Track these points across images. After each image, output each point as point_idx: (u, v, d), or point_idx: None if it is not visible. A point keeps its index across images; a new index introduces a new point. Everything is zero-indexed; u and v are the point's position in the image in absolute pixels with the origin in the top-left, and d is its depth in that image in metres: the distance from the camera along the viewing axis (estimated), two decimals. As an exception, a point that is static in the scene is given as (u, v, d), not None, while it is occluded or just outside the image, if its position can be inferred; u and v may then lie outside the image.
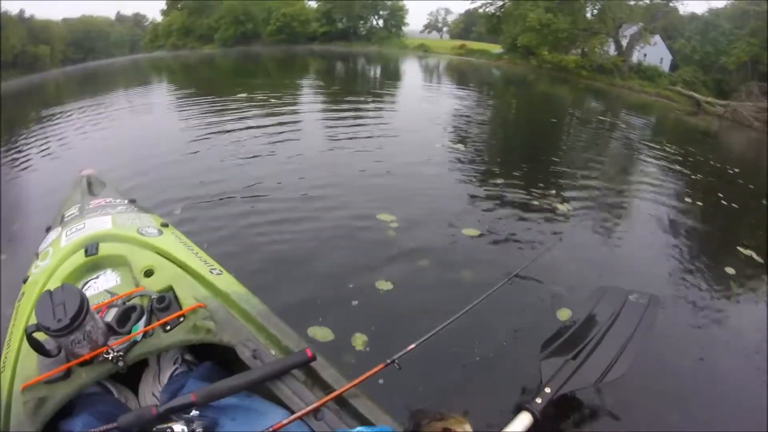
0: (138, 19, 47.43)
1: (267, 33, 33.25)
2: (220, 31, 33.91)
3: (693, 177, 6.06)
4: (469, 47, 27.99)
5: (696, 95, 15.97)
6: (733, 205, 4.93)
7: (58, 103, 11.13)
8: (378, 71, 20.78)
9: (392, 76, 18.86)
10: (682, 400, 1.99)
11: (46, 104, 11.11)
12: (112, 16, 46.57)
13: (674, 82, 17.48)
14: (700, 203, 4.86)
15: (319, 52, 28.88)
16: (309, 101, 10.37)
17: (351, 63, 23.28)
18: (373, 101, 9.98)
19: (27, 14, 32.91)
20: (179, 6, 36.53)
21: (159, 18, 40.24)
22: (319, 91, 12.07)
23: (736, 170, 6.77)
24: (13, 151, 6.04)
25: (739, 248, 3.69)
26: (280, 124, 6.90)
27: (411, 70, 21.31)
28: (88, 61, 35.44)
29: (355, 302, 2.43)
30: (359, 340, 2.14)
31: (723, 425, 1.87)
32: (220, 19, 33.76)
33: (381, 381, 1.46)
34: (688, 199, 4.95)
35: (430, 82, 16.84)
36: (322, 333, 2.16)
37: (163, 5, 38.36)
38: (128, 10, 50.01)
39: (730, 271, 3.29)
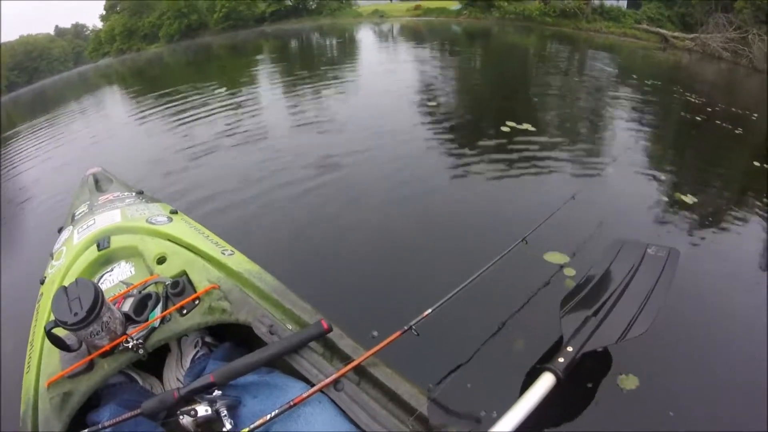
0: (78, 30, 44.74)
1: (213, 22, 31.07)
2: (164, 27, 31.77)
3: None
4: (426, 7, 26.23)
5: (663, 31, 15.08)
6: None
7: (24, 122, 11.24)
8: (333, 43, 19.35)
9: (351, 46, 17.69)
10: (708, 358, 1.91)
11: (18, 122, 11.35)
12: (51, 31, 43.97)
13: (639, 21, 16.50)
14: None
15: (271, 33, 27.03)
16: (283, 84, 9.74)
17: (304, 39, 21.88)
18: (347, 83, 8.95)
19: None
20: (118, 8, 34.07)
21: (99, 24, 37.62)
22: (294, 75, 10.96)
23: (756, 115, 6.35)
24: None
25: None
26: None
27: (367, 38, 19.94)
28: (34, 82, 33.78)
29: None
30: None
31: (747, 380, 1.80)
32: (161, 15, 31.61)
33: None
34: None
35: (386, 44, 15.80)
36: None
37: (101, 8, 35.76)
38: (66, 22, 47.37)
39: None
